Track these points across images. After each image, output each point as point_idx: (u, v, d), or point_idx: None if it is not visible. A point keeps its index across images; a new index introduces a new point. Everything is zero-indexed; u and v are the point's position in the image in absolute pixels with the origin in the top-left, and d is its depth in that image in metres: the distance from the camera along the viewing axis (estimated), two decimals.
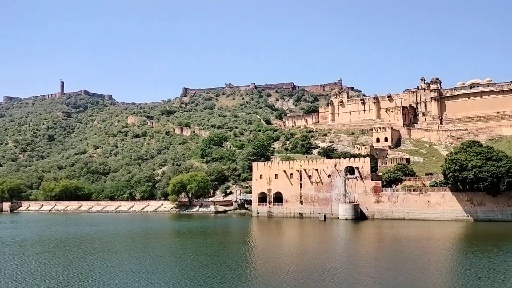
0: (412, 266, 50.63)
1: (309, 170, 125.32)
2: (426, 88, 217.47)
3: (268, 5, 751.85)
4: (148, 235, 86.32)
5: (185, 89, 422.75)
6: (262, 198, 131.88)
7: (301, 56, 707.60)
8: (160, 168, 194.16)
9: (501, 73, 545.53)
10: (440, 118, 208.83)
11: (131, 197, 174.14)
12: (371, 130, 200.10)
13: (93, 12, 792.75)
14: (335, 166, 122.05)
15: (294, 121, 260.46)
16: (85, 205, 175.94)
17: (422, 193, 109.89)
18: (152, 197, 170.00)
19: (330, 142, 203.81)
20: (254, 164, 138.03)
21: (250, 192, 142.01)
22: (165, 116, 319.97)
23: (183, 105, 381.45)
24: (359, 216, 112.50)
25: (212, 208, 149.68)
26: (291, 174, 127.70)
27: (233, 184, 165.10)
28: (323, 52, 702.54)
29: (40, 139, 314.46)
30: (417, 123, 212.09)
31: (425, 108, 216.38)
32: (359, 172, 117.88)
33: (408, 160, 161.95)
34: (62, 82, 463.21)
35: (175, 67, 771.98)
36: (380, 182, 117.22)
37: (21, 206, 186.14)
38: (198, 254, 59.69)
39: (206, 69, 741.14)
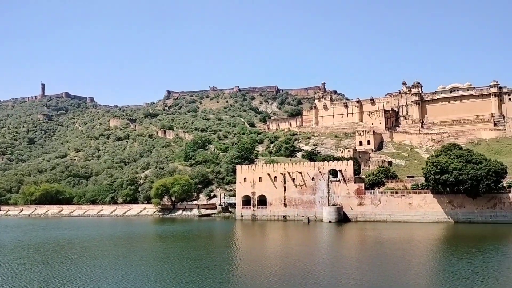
0: (393, 268, 51.17)
1: (293, 173, 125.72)
2: (408, 92, 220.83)
3: (252, 9, 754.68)
4: (130, 239, 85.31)
5: (169, 92, 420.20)
6: (246, 201, 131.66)
7: (285, 59, 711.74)
8: (143, 172, 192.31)
9: (481, 77, 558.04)
10: (421, 121, 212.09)
11: (113, 201, 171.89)
12: (354, 133, 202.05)
13: (75, 14, 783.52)
14: (319, 169, 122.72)
15: (278, 124, 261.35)
16: (66, 209, 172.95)
17: (404, 195, 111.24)
18: (134, 201, 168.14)
19: (313, 145, 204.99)
20: (238, 167, 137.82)
21: (234, 195, 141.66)
22: (148, 119, 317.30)
23: (166, 108, 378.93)
24: (342, 218, 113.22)
25: (195, 211, 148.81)
26: (275, 177, 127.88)
27: (217, 187, 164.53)
28: (307, 56, 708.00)
29: (20, 142, 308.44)
30: (399, 127, 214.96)
31: (407, 112, 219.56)
32: (342, 175, 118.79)
33: (390, 163, 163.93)
34: (43, 84, 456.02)
35: (159, 70, 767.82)
36: (363, 184, 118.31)
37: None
38: (180, 258, 59.23)
39: (190, 72, 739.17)
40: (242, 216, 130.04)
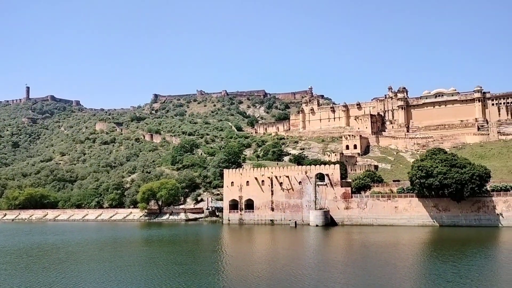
0: (379, 271, 51.53)
1: (280, 177, 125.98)
2: (393, 97, 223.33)
3: (240, 14, 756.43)
4: (116, 244, 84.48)
5: (156, 96, 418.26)
6: (234, 205, 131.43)
7: (273, 63, 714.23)
8: (129, 176, 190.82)
9: (465, 82, 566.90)
10: (406, 126, 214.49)
11: (99, 205, 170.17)
12: (341, 137, 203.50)
13: (61, 16, 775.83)
14: (306, 173, 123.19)
15: (266, 128, 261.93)
16: (51, 213, 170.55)
17: (390, 199, 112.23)
18: (120, 205, 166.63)
19: (301, 149, 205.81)
20: (225, 171, 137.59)
21: (222, 199, 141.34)
22: (135, 123, 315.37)
23: (153, 112, 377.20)
24: (329, 222, 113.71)
25: (182, 216, 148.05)
26: (263, 181, 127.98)
27: (204, 192, 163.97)
28: (294, 60, 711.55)
29: (3, 146, 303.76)
30: (385, 131, 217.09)
31: (393, 116, 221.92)
32: (329, 179, 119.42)
33: (376, 167, 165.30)
34: (28, 87, 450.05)
35: (146, 73, 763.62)
36: (349, 188, 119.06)
37: None
38: (167, 263, 58.84)
39: (177, 76, 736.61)
40: (229, 220, 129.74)
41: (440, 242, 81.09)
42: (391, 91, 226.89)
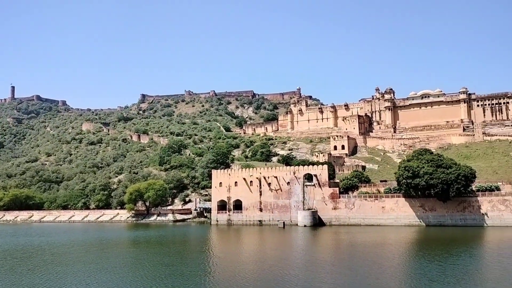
0: (366, 271, 51.86)
1: (268, 177, 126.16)
2: (381, 98, 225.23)
3: (228, 14, 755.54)
4: (102, 245, 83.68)
5: (143, 96, 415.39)
6: (222, 206, 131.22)
7: (261, 64, 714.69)
8: (116, 176, 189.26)
9: (451, 83, 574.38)
10: (393, 126, 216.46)
11: (86, 207, 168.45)
12: (329, 138, 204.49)
13: (46, 14, 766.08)
14: (294, 173, 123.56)
15: (254, 128, 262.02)
16: (36, 215, 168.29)
17: (377, 199, 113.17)
18: (107, 206, 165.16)
19: (289, 149, 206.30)
20: (213, 171, 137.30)
21: (210, 200, 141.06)
22: (122, 123, 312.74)
23: (141, 112, 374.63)
24: (317, 222, 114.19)
25: (170, 216, 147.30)
26: (251, 181, 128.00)
27: (192, 192, 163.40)
28: (282, 61, 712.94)
29: None
30: (372, 132, 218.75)
31: (380, 117, 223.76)
32: (317, 180, 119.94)
33: (364, 168, 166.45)
34: (13, 87, 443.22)
35: (133, 73, 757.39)
36: (337, 189, 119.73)
37: None
38: (154, 264, 58.41)
39: (165, 76, 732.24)
40: (217, 221, 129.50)
41: (426, 242, 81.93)
42: (378, 92, 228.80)
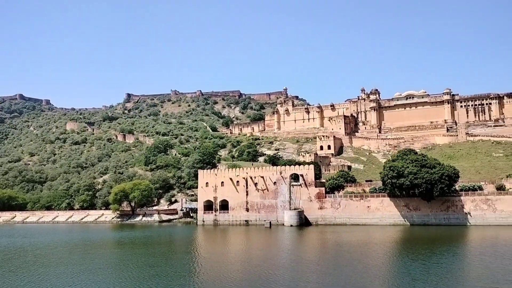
0: (351, 270, 52.19)
1: (255, 177, 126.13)
2: (366, 99, 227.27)
3: (213, 13, 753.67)
4: (86, 246, 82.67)
5: (129, 95, 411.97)
6: (208, 206, 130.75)
7: (248, 64, 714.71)
8: (101, 177, 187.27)
9: (435, 84, 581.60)
10: (378, 127, 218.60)
11: (70, 207, 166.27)
12: (315, 138, 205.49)
13: (29, 12, 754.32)
14: (281, 173, 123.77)
15: (241, 128, 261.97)
16: (19, 215, 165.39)
17: (362, 199, 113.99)
18: (92, 206, 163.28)
19: (276, 149, 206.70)
20: (200, 171, 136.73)
21: (196, 200, 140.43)
22: (107, 123, 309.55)
23: (126, 111, 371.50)
24: (303, 222, 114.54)
25: (156, 217, 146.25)
26: (237, 181, 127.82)
27: (178, 192, 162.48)
28: (269, 61, 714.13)
29: None
30: (358, 132, 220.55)
31: (365, 118, 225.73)
32: (304, 179, 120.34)
33: (349, 167, 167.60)
34: None
35: (118, 72, 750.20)
36: (323, 188, 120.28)
37: None
38: (138, 266, 57.89)
39: (151, 75, 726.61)
40: (204, 221, 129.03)
41: (410, 241, 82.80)
42: (364, 93, 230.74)
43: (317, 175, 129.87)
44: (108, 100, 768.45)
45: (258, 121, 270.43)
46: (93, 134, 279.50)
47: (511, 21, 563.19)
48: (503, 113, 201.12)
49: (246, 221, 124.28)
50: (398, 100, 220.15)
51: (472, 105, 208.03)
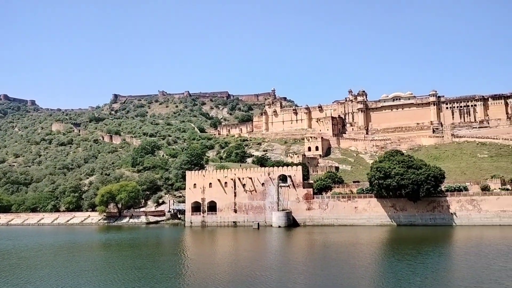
0: (338, 271, 52.38)
1: (243, 178, 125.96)
2: (354, 100, 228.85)
3: (201, 14, 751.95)
4: (72, 248, 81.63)
5: (115, 96, 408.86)
6: (196, 208, 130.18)
7: (236, 65, 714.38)
8: (88, 178, 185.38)
9: (421, 86, 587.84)
10: (366, 128, 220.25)
11: (55, 209, 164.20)
12: (303, 139, 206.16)
13: (15, 12, 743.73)
14: (269, 174, 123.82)
15: (229, 129, 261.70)
16: (4, 218, 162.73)
17: (350, 200, 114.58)
18: (78, 208, 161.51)
19: (264, 150, 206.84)
20: (188, 173, 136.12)
21: (184, 201, 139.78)
22: (93, 124, 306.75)
23: (113, 112, 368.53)
24: (291, 223, 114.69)
25: (143, 218, 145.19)
26: (226, 182, 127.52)
27: (165, 194, 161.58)
28: (257, 62, 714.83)
29: None
30: (345, 133, 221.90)
31: (353, 119, 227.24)
32: (292, 180, 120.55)
33: (337, 168, 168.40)
34: None
35: (105, 72, 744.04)
36: (311, 189, 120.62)
37: None
38: (125, 268, 57.33)
39: (138, 76, 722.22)
40: (191, 222, 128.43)
41: (397, 241, 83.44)
42: (351, 94, 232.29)
43: (305, 176, 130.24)
44: (94, 101, 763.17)
45: (246, 122, 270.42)
46: (79, 135, 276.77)
47: (496, 23, 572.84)
48: (487, 115, 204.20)
49: (234, 222, 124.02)
50: (385, 101, 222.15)
51: (457, 106, 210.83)
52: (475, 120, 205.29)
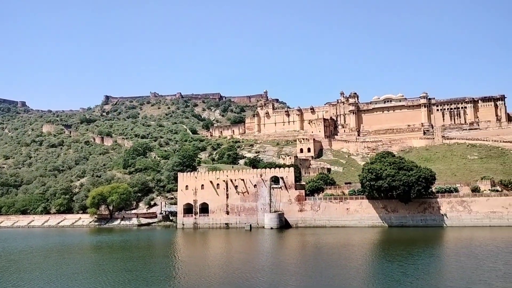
0: (330, 272, 52.54)
1: (235, 180, 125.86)
2: (345, 102, 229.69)
3: (194, 15, 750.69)
4: (62, 251, 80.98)
5: (107, 97, 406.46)
6: (188, 209, 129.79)
7: (228, 67, 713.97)
8: (79, 180, 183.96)
9: (412, 88, 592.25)
10: (357, 130, 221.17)
11: (46, 211, 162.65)
12: (295, 140, 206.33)
13: (4, 12, 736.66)
14: (261, 176, 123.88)
15: (221, 131, 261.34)
16: None
17: (341, 201, 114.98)
18: (69, 210, 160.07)
19: (256, 152, 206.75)
20: (180, 174, 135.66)
21: (176, 203, 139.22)
22: (85, 125, 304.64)
23: (104, 114, 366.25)
24: (283, 224, 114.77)
25: (134, 220, 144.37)
26: (218, 184, 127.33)
27: (157, 196, 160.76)
28: (249, 64, 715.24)
29: None
30: (337, 135, 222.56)
31: (344, 121, 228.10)
32: (284, 182, 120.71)
33: (329, 170, 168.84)
34: None
35: (96, 73, 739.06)
36: (303, 191, 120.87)
37: None
38: (116, 270, 57.01)
39: (129, 77, 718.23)
40: (183, 224, 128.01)
41: (388, 243, 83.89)
42: (343, 96, 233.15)
43: (297, 178, 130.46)
44: (86, 102, 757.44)
45: (239, 123, 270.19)
46: (70, 136, 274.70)
47: (486, 26, 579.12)
48: (477, 117, 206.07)
49: (226, 224, 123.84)
50: (376, 103, 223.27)
51: (448, 108, 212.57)
52: (465, 122, 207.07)
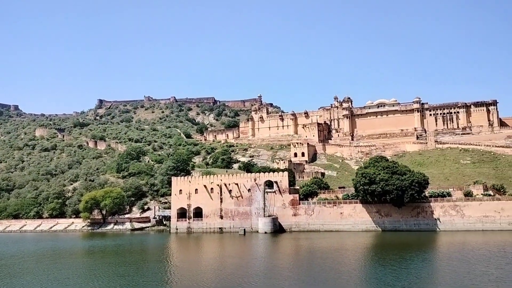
0: (323, 276, 52.53)
1: (229, 184, 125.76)
2: (339, 106, 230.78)
3: (188, 19, 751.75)
4: (54, 255, 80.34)
5: (100, 101, 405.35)
6: (182, 214, 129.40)
7: (222, 71, 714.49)
8: (71, 184, 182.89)
9: (405, 93, 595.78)
10: (351, 134, 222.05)
11: (38, 216, 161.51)
12: (289, 145, 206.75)
13: None
14: (255, 180, 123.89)
15: (215, 135, 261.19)
16: None
17: (335, 205, 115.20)
18: (62, 215, 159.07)
19: (250, 156, 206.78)
20: (173, 179, 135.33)
21: (169, 208, 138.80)
22: (78, 129, 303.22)
23: (98, 118, 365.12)
24: (277, 229, 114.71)
25: (128, 225, 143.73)
26: (212, 188, 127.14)
27: (151, 200, 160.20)
28: (244, 68, 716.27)
29: None
30: (331, 139, 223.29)
31: (338, 125, 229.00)
32: (278, 186, 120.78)
33: (323, 174, 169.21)
34: None
35: (90, 77, 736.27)
36: (297, 195, 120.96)
37: None
38: (108, 275, 56.64)
39: (123, 81, 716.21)
40: (177, 229, 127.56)
41: (381, 247, 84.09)
42: (337, 101, 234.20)
43: (291, 182, 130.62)
44: (79, 106, 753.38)
45: (233, 128, 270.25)
46: (63, 140, 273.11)
47: (479, 31, 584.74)
48: (470, 122, 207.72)
49: (220, 228, 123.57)
50: (370, 108, 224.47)
51: (440, 113, 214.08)
52: (458, 126, 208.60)
